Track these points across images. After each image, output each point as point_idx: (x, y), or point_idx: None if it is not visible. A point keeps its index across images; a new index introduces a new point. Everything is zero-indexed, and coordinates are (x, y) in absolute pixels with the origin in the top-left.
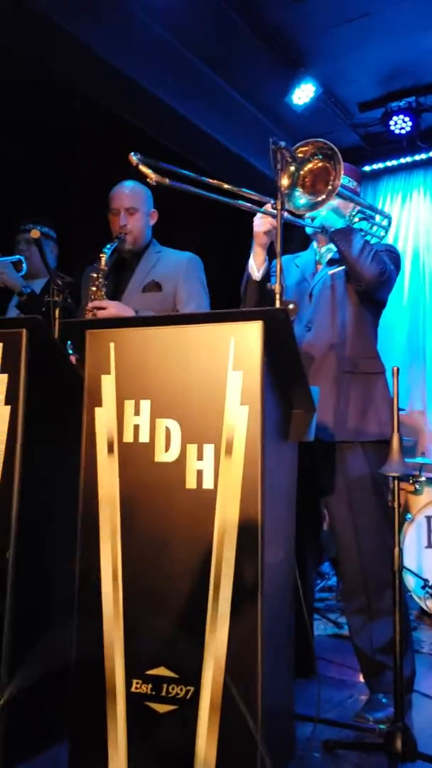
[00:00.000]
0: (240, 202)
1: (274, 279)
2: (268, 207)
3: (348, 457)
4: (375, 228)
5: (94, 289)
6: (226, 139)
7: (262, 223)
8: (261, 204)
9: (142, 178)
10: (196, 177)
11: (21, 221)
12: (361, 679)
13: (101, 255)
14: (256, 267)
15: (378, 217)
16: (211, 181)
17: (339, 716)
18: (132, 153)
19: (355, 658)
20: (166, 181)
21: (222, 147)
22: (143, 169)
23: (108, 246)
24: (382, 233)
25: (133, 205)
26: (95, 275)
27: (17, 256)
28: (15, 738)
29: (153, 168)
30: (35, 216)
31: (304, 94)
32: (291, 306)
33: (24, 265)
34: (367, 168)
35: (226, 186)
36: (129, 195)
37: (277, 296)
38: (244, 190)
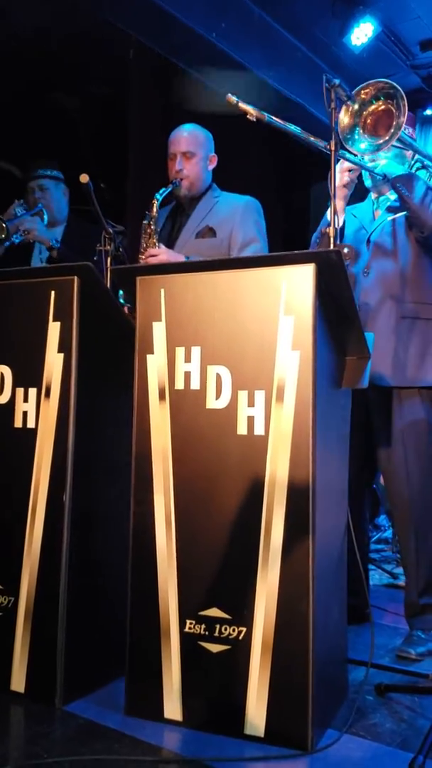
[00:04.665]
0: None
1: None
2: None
3: (405, 403)
4: None
5: (146, 236)
6: (282, 85)
7: (340, 178)
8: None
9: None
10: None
11: (31, 168)
12: None
13: (153, 201)
14: (336, 214)
15: None
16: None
17: (392, 662)
18: (229, 94)
19: None
20: (266, 117)
21: (277, 93)
22: (243, 106)
23: (160, 191)
24: None
25: (189, 149)
26: (146, 222)
27: (39, 206)
28: (74, 674)
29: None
30: (42, 161)
31: (362, 33)
32: (346, 250)
33: (45, 215)
34: (429, 111)
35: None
36: (187, 138)
37: (331, 239)
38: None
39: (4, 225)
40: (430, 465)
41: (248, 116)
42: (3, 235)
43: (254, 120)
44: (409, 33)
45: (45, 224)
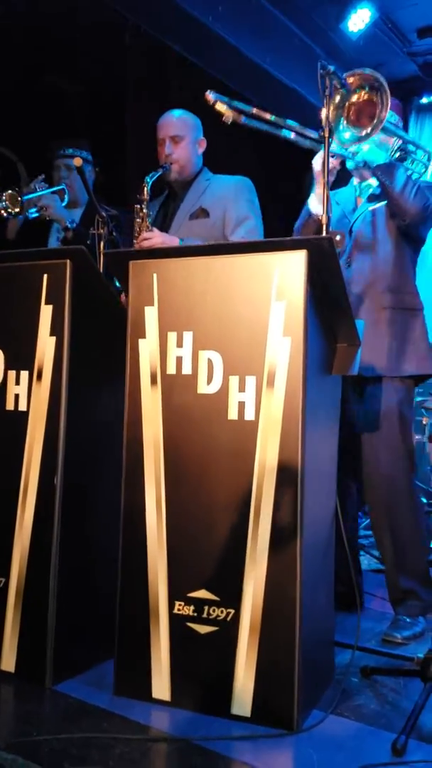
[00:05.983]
0: (307, 142)
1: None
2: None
3: (379, 392)
4: (415, 163)
5: (139, 220)
6: (277, 70)
7: (321, 163)
8: (320, 142)
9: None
10: (273, 119)
11: (58, 146)
12: None
13: (143, 185)
14: (318, 203)
15: (419, 153)
16: (275, 118)
17: (378, 645)
18: (208, 91)
19: None
20: (242, 119)
21: (273, 78)
22: (219, 107)
23: (150, 175)
24: (423, 169)
25: (178, 132)
26: (138, 206)
27: (61, 185)
28: (64, 654)
29: (228, 106)
30: (72, 140)
31: (359, 19)
32: (338, 237)
33: (66, 194)
34: (424, 100)
35: (290, 123)
36: (175, 123)
37: (324, 226)
38: (308, 130)
39: (19, 198)
40: (403, 453)
41: (224, 118)
42: (17, 209)
43: (229, 123)
44: (407, 20)
45: (65, 204)
